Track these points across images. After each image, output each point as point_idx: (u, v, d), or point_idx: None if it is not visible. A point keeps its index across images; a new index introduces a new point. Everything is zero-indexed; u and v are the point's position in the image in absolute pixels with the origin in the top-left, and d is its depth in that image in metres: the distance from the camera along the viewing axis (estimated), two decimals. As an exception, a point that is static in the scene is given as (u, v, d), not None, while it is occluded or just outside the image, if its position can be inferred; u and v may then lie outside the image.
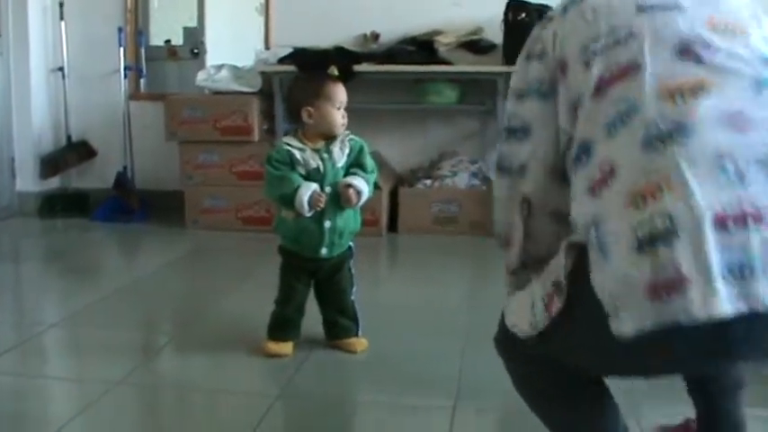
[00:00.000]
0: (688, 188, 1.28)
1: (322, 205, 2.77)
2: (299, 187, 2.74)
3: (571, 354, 1.53)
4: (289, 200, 2.75)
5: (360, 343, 2.95)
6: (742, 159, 1.30)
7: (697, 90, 1.37)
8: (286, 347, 2.89)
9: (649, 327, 1.26)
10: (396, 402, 2.56)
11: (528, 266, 1.74)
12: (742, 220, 1.26)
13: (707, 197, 1.27)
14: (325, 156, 2.81)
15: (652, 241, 1.28)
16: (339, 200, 2.81)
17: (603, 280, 1.33)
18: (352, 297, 2.96)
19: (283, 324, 2.91)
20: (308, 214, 2.76)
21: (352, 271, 2.96)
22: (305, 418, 2.52)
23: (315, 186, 2.75)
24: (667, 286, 1.25)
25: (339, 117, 2.81)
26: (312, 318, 2.97)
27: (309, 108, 2.79)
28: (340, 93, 2.83)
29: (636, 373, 1.63)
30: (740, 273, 1.24)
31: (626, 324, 1.29)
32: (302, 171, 2.78)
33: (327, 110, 2.80)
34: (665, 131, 1.34)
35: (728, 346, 1.31)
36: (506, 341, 1.77)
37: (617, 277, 1.31)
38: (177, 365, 2.96)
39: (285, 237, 2.90)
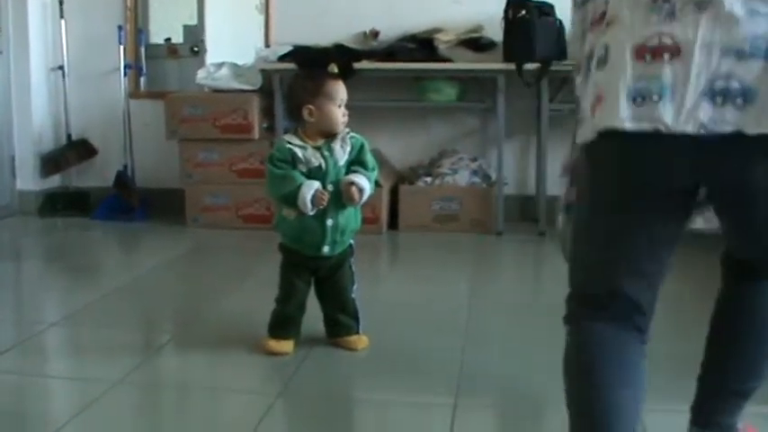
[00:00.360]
0: (623, 24, 1.57)
1: (325, 203, 2.77)
2: (301, 186, 2.73)
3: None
4: (291, 198, 2.74)
5: (360, 340, 2.95)
6: (679, 1, 1.51)
7: None
8: (287, 345, 2.89)
9: (590, 137, 1.64)
10: (397, 400, 2.56)
11: None
12: (659, 52, 1.50)
13: (634, 32, 1.54)
14: (327, 154, 2.81)
15: (598, 65, 1.63)
16: (341, 198, 2.80)
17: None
18: (353, 295, 2.96)
19: (284, 322, 2.91)
20: (311, 213, 2.76)
21: (353, 268, 2.96)
22: (306, 416, 2.52)
23: (317, 185, 2.75)
24: (595, 104, 1.62)
25: (340, 115, 2.81)
26: (312, 315, 2.97)
27: (310, 106, 2.78)
28: (340, 90, 2.83)
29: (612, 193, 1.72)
30: (648, 97, 1.51)
31: (583, 135, 1.68)
32: (303, 169, 2.78)
33: (328, 108, 2.80)
34: None
35: (642, 158, 1.60)
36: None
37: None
38: (178, 364, 2.96)
39: (286, 235, 2.89)
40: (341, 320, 2.95)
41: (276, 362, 2.83)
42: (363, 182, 2.81)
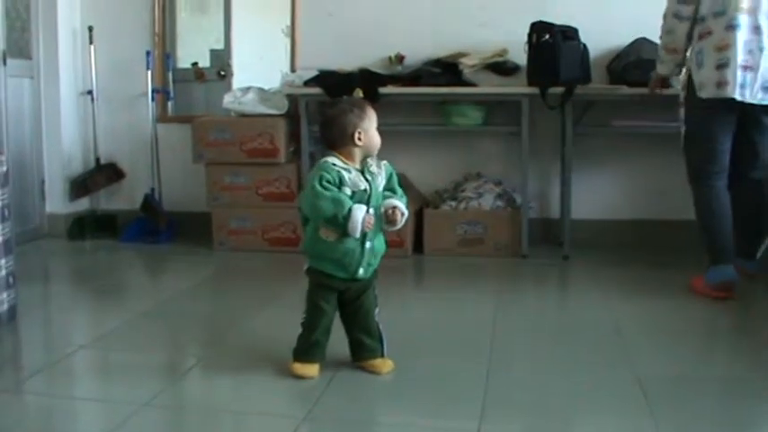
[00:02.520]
0: (736, 49, 3.79)
1: (371, 227, 2.80)
2: (351, 209, 2.76)
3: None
4: (340, 221, 2.76)
5: (385, 364, 2.96)
6: (755, 45, 3.82)
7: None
8: (312, 369, 2.90)
9: (715, 94, 3.86)
10: (421, 424, 2.57)
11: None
12: (748, 67, 3.80)
13: (741, 56, 3.80)
14: (369, 177, 2.84)
15: (720, 66, 3.83)
16: (379, 221, 2.85)
17: (699, 77, 3.94)
18: (377, 317, 2.97)
19: (311, 347, 2.91)
20: (358, 236, 2.79)
21: (376, 291, 2.98)
22: (330, 440, 2.53)
23: (366, 208, 2.78)
24: (721, 83, 3.84)
25: (378, 137, 2.88)
26: (337, 338, 2.98)
27: (361, 131, 2.83)
28: (375, 114, 2.90)
29: (714, 124, 3.99)
30: (744, 87, 3.81)
31: (705, 92, 3.89)
32: (348, 192, 2.79)
33: (372, 131, 2.86)
34: (734, 24, 3.81)
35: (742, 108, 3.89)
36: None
37: (706, 76, 3.90)
38: (204, 387, 2.98)
39: (322, 258, 2.87)
40: (366, 343, 2.96)
41: (302, 385, 2.84)
42: (404, 207, 2.87)
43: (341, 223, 2.76)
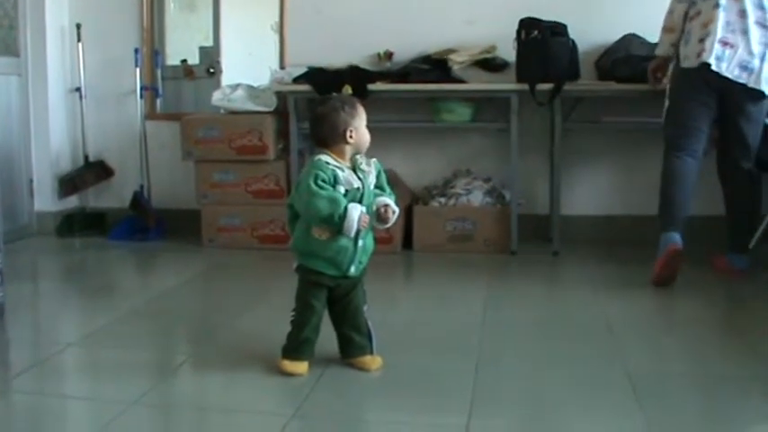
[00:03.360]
0: (716, 25, 3.99)
1: (366, 226, 2.80)
2: (346, 208, 2.75)
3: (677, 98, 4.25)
4: (336, 220, 2.76)
5: (374, 361, 2.96)
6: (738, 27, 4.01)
7: None
8: (301, 367, 2.90)
9: (695, 64, 4.06)
10: (410, 420, 2.57)
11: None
12: (727, 43, 3.99)
13: (720, 32, 3.99)
14: (361, 175, 2.83)
15: (702, 39, 4.04)
16: (371, 219, 2.85)
17: (684, 51, 4.15)
18: (365, 314, 2.97)
19: (300, 344, 2.91)
20: (353, 235, 2.79)
21: (365, 288, 2.98)
22: (320, 437, 2.53)
23: (361, 207, 2.78)
24: (700, 53, 4.03)
25: (368, 135, 2.89)
26: (326, 335, 2.98)
27: (352, 128, 2.83)
28: (364, 111, 2.91)
29: (694, 95, 4.14)
30: (721, 60, 4.00)
31: (687, 62, 4.11)
32: (342, 190, 2.79)
33: (363, 129, 2.87)
34: (718, 3, 4.01)
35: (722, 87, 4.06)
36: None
37: (690, 49, 4.11)
38: (193, 385, 2.98)
39: (315, 256, 2.86)
40: (355, 340, 2.96)
41: (291, 383, 2.84)
42: (394, 205, 2.87)
43: (336, 223, 2.76)
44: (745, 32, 3.99)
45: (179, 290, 4.30)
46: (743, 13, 4.01)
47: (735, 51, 3.99)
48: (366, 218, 2.79)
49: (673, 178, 4.16)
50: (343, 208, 2.75)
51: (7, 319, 3.60)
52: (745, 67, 4.00)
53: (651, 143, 5.09)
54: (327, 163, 2.80)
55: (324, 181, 2.77)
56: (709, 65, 3.99)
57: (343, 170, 2.80)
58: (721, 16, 4.00)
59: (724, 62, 3.99)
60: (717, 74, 4.00)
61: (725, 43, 3.99)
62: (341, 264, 2.86)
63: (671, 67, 4.34)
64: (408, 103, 5.26)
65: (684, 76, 4.16)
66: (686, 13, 4.18)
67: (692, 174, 4.15)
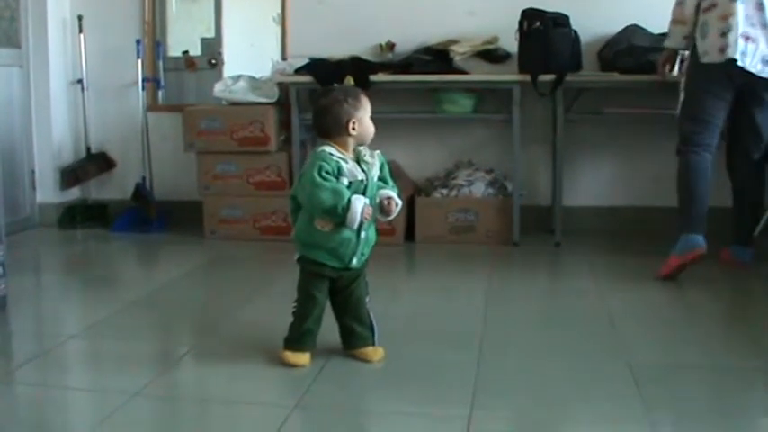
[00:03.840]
0: (737, 19, 3.93)
1: (369, 218, 2.80)
2: (350, 200, 2.75)
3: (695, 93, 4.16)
4: (339, 212, 2.75)
5: (376, 352, 2.96)
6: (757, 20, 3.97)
7: None
8: (303, 358, 2.90)
9: (718, 59, 3.98)
10: (412, 411, 2.57)
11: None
12: (749, 38, 3.93)
13: (742, 27, 3.92)
14: (365, 168, 2.83)
15: (723, 33, 3.95)
16: (374, 212, 2.84)
17: (703, 46, 4.05)
18: (367, 305, 2.97)
19: (302, 335, 2.92)
20: (356, 227, 2.78)
21: (367, 279, 2.98)
22: (322, 429, 2.53)
23: (364, 199, 2.78)
24: (723, 48, 3.96)
25: (372, 127, 2.87)
26: (328, 326, 2.98)
27: (355, 120, 2.81)
28: (368, 102, 2.89)
29: (714, 89, 4.08)
30: (745, 55, 3.93)
31: (708, 58, 4.02)
32: (346, 182, 2.78)
33: (367, 121, 2.85)
34: None
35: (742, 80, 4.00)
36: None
37: (709, 44, 4.02)
38: (195, 376, 2.98)
39: (318, 248, 2.85)
40: (357, 331, 2.96)
41: (293, 374, 2.85)
42: (397, 198, 2.86)
43: (339, 214, 2.76)
44: (764, 26, 3.94)
45: (181, 281, 4.31)
46: (760, 6, 3.95)
47: (756, 46, 3.93)
48: (369, 210, 2.79)
49: (694, 175, 4.10)
50: (346, 200, 2.74)
51: (10, 310, 3.61)
52: (767, 61, 3.94)
53: (653, 134, 5.10)
54: (331, 154, 2.79)
55: (328, 172, 2.76)
56: (734, 60, 3.93)
57: (347, 162, 2.80)
58: (740, 9, 3.93)
59: (748, 57, 3.93)
60: (741, 69, 3.94)
61: (747, 38, 3.93)
62: (343, 255, 2.86)
63: (685, 59, 4.30)
64: (410, 94, 5.26)
65: (704, 71, 4.06)
66: (698, 5, 4.10)
67: (709, 170, 4.10)
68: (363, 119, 2.84)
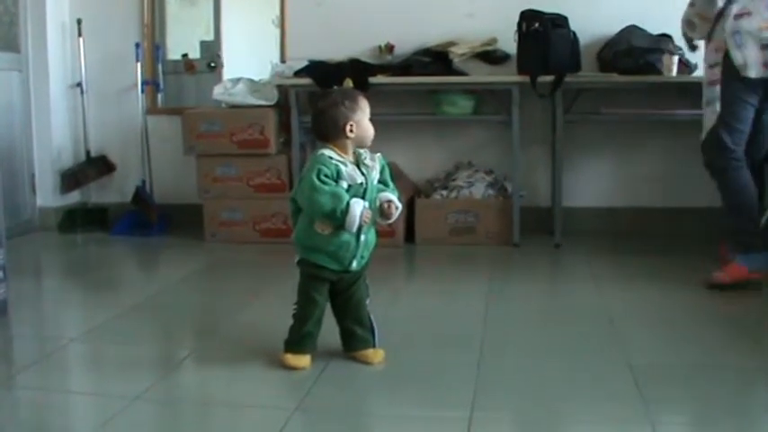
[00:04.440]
0: None
1: (368, 221, 2.79)
2: (349, 204, 2.74)
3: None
4: (338, 215, 2.75)
5: (377, 354, 2.96)
6: None
7: None
8: (304, 360, 2.90)
9: (761, 74, 3.76)
10: (412, 414, 2.57)
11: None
12: None
13: None
14: (365, 171, 2.83)
15: (765, 46, 3.72)
16: (374, 215, 2.84)
17: (741, 57, 3.80)
18: (368, 307, 2.97)
19: (302, 338, 2.92)
20: (355, 230, 2.78)
21: (367, 281, 2.98)
22: (322, 431, 2.53)
23: (363, 203, 2.77)
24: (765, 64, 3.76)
25: (371, 127, 2.86)
26: (328, 328, 2.98)
27: (353, 122, 2.81)
28: (367, 104, 2.88)
29: (751, 100, 3.91)
30: None
31: (752, 72, 3.78)
32: (345, 185, 2.78)
33: (366, 123, 2.84)
34: None
35: None
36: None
37: (750, 57, 3.78)
38: (196, 379, 2.98)
39: (317, 250, 2.85)
40: (358, 334, 2.96)
41: (293, 376, 2.85)
42: (397, 200, 2.86)
43: (339, 218, 2.75)
44: None
45: (181, 284, 4.31)
46: None
47: None
48: (368, 213, 2.79)
49: (747, 190, 3.97)
50: (345, 203, 2.74)
51: (10, 314, 3.60)
52: None
53: (653, 135, 5.10)
54: (330, 158, 2.79)
55: (327, 176, 2.76)
56: None
57: (346, 165, 2.80)
58: None
59: None
60: None
61: None
62: (343, 258, 2.86)
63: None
64: (410, 95, 5.26)
65: (743, 84, 3.88)
66: (722, 10, 3.91)
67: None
68: (361, 121, 2.84)
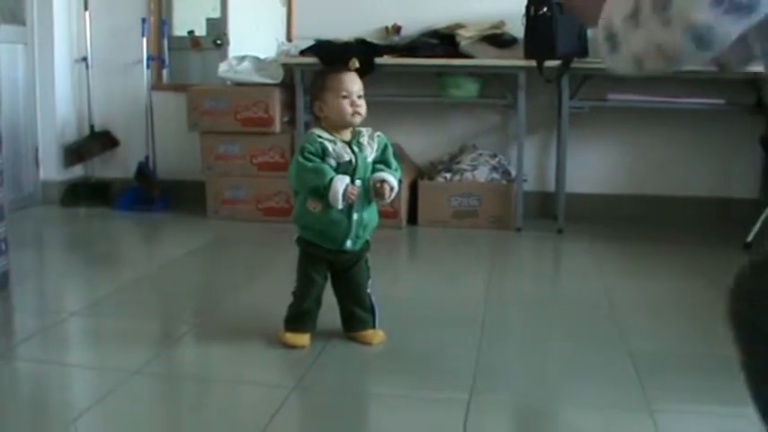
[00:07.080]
0: None
1: (354, 198, 2.79)
2: (332, 179, 2.75)
3: None
4: (321, 192, 2.76)
5: (376, 335, 2.96)
6: None
7: None
8: (303, 339, 2.91)
9: None
10: (411, 395, 2.58)
11: None
12: None
13: None
14: (356, 149, 2.82)
15: None
16: (367, 194, 2.83)
17: None
18: (369, 289, 2.97)
19: (301, 316, 2.92)
20: (340, 207, 2.78)
21: (369, 264, 2.97)
22: (320, 410, 2.53)
23: (348, 179, 2.77)
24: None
25: (347, 106, 2.80)
26: (329, 309, 2.98)
27: (319, 101, 2.82)
28: (346, 82, 2.82)
29: None
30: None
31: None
32: (333, 163, 2.78)
33: (334, 101, 2.81)
34: None
35: None
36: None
37: None
38: (195, 355, 2.98)
39: (309, 228, 2.88)
40: (357, 315, 2.96)
41: (293, 355, 2.85)
42: (393, 181, 2.84)
43: (322, 194, 2.76)
44: None
45: (183, 261, 4.31)
46: None
47: None
48: (354, 190, 2.77)
49: None
50: (327, 179, 2.74)
51: (11, 287, 3.60)
52: None
53: (658, 122, 5.08)
54: (319, 136, 2.81)
55: (311, 153, 2.78)
56: None
57: (335, 143, 2.80)
58: None
59: None
60: None
61: None
62: (334, 237, 2.85)
63: None
64: (415, 77, 5.24)
65: None
66: None
67: None
68: (330, 100, 2.81)
